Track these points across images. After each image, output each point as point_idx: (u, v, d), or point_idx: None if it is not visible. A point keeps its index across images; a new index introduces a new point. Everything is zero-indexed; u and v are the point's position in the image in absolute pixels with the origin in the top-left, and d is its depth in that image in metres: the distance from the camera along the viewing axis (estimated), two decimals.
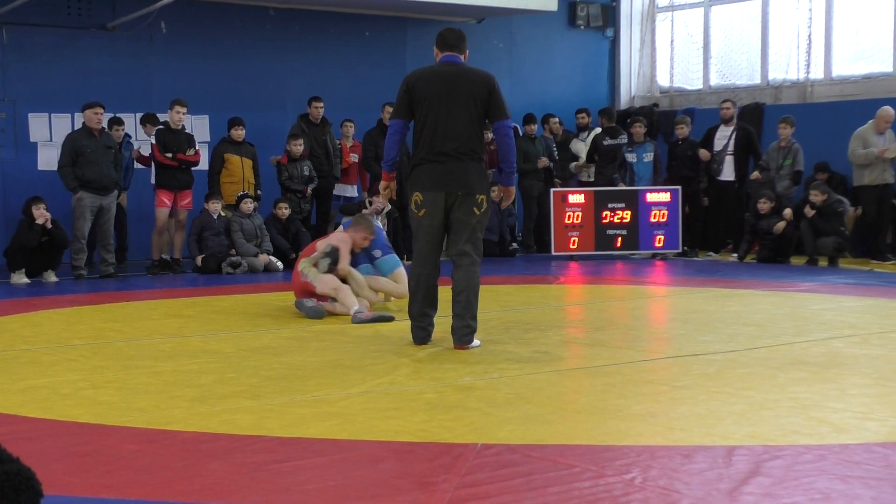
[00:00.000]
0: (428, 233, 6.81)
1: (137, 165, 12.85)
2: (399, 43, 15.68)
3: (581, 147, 15.08)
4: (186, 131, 12.66)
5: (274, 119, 14.44)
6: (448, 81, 6.75)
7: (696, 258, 13.82)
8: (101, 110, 11.76)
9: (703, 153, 13.84)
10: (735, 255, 13.58)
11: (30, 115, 13.20)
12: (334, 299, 8.42)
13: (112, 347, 7.05)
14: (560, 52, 17.21)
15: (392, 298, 9.11)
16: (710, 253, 14.00)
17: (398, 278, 9.00)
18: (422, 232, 6.83)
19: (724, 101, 14.13)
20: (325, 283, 8.41)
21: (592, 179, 14.69)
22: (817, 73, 15.48)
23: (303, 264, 8.48)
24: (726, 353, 6.57)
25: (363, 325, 7.87)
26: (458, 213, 6.75)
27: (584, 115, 15.43)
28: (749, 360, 6.31)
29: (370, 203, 12.87)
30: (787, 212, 12.86)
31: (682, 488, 3.76)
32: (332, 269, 8.49)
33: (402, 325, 7.29)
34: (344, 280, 8.57)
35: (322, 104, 13.47)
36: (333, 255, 8.47)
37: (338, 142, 13.81)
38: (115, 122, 12.50)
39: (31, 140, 13.22)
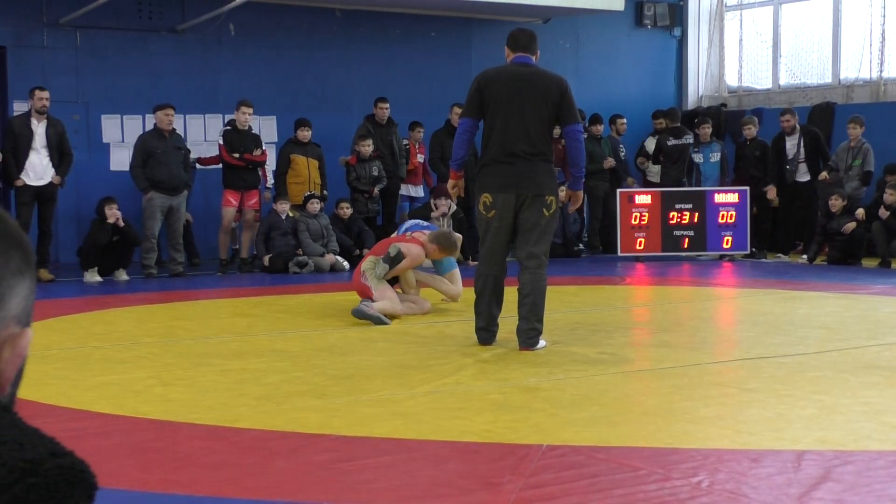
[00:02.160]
0: (496, 234, 6.80)
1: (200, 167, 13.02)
2: (465, 43, 15.68)
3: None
4: (253, 132, 12.80)
5: (340, 120, 14.51)
6: (520, 82, 6.72)
7: (764, 259, 13.64)
8: (172, 112, 11.95)
9: (771, 194, 13.61)
10: (804, 256, 13.38)
11: (102, 116, 13.42)
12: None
13: (181, 345, 7.14)
14: (627, 51, 17.09)
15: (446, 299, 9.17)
16: (779, 254, 13.81)
17: (453, 279, 9.07)
18: (490, 233, 6.82)
19: (783, 113, 13.73)
20: (380, 292, 8.35)
21: (659, 180, 14.58)
22: (891, 72, 15.19)
23: (366, 264, 8.45)
24: (795, 355, 6.48)
25: (428, 326, 7.89)
26: (526, 214, 6.72)
27: (661, 121, 15.10)
28: (819, 363, 6.21)
29: (436, 206, 12.90)
30: (860, 212, 12.63)
31: (750, 492, 3.72)
32: (389, 272, 8.43)
33: (467, 326, 7.29)
34: (396, 279, 8.61)
35: (388, 105, 13.52)
36: (396, 260, 8.38)
37: (405, 142, 13.85)
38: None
39: (104, 141, 13.44)
